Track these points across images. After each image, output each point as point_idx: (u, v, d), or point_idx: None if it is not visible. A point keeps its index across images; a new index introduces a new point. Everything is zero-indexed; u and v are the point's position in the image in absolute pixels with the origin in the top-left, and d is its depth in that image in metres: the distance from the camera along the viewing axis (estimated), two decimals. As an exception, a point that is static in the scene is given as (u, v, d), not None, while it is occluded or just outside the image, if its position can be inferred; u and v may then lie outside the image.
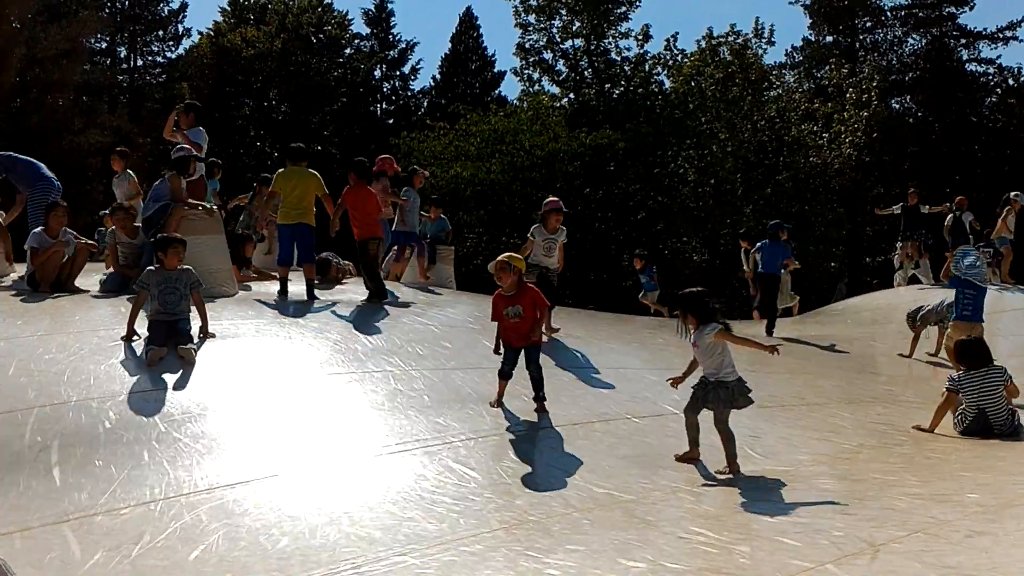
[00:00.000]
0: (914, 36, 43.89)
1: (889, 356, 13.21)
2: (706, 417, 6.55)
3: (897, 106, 42.76)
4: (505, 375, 7.51)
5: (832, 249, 32.75)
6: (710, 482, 6.20)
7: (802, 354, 12.78)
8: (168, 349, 7.66)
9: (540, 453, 6.59)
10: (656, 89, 36.79)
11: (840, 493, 6.09)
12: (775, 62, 42.27)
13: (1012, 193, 17.71)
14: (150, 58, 45.14)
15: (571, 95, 37.64)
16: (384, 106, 48.64)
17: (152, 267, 8.37)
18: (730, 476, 6.34)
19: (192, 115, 12.75)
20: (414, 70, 48.43)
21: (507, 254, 7.55)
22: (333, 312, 10.41)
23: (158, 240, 8.56)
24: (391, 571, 4.47)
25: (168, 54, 45.12)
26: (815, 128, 33.93)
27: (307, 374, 7.95)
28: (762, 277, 15.40)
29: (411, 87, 48.92)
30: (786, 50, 48.07)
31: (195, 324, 8.30)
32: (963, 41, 43.54)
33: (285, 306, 10.41)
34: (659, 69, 37.00)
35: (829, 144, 33.36)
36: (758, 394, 9.42)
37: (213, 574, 4.44)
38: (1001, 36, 42.71)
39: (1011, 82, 43.12)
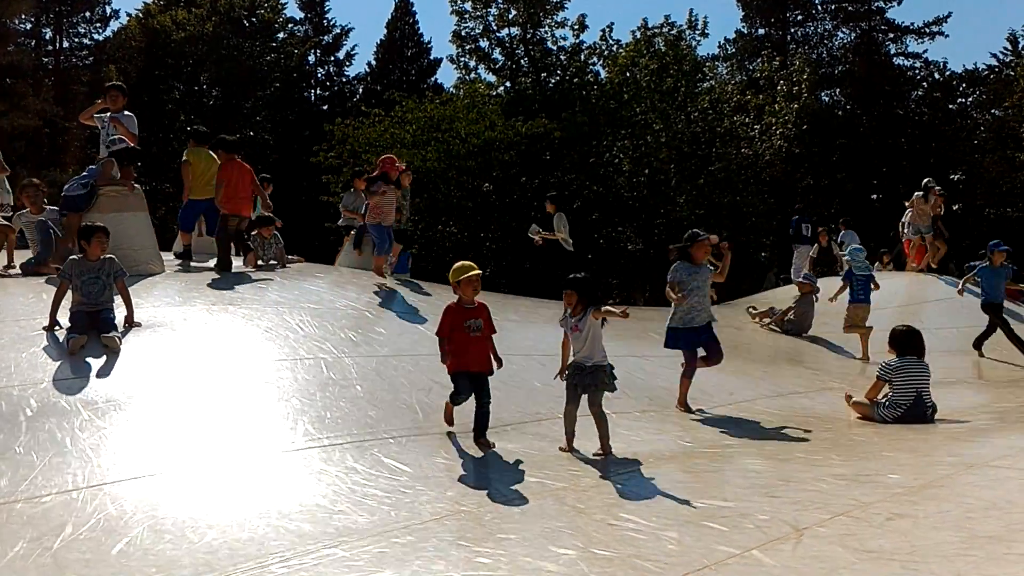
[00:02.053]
0: (843, 30, 44.84)
1: (815, 345, 13.52)
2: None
3: (827, 99, 43.64)
4: (456, 403, 6.81)
5: (763, 239, 33.31)
6: (639, 469, 6.27)
7: (731, 342, 12.97)
8: (90, 337, 7.50)
9: (471, 445, 6.60)
10: (592, 79, 36.88)
11: (766, 476, 6.20)
12: (709, 54, 42.79)
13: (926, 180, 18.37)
14: (77, 40, 43.96)
15: (507, 84, 37.56)
16: (318, 92, 48.06)
17: (74, 257, 8.18)
18: (604, 457, 6.58)
19: (121, 97, 12.45)
20: (349, 56, 47.97)
21: (470, 264, 6.85)
22: (264, 297, 10.25)
23: (81, 230, 8.41)
24: (320, 564, 4.44)
25: (95, 36, 44.03)
26: (747, 120, 34.40)
27: (236, 361, 7.82)
28: (987, 306, 13.47)
29: (346, 73, 48.46)
30: (719, 42, 48.72)
31: (120, 313, 8.13)
32: (891, 35, 44.62)
33: (215, 290, 10.23)
34: (595, 59, 37.11)
35: (760, 136, 33.85)
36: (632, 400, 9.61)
37: (138, 568, 4.36)
38: (927, 31, 43.84)
39: (936, 76, 44.27)
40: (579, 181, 32.81)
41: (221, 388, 7.12)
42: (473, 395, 6.65)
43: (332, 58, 47.85)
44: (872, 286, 13.27)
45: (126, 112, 12.45)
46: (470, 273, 6.73)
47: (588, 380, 6.70)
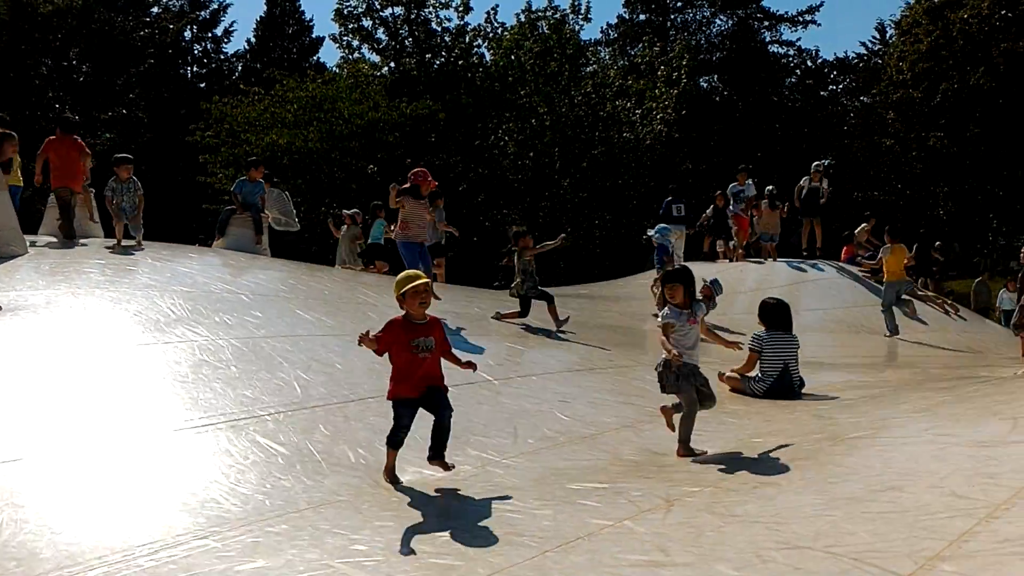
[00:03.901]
0: (721, 17, 46.04)
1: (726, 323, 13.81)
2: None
3: (705, 84, 44.75)
4: (398, 444, 5.53)
5: (644, 222, 33.97)
6: (518, 456, 6.30)
7: (616, 319, 13.20)
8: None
9: (351, 427, 6.47)
10: (476, 61, 36.89)
11: (641, 455, 6.33)
12: (591, 39, 43.40)
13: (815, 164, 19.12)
14: (-68, 11, 41.39)
15: (391, 64, 37.21)
16: (195, 69, 46.69)
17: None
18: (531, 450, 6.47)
19: None
20: (227, 32, 46.79)
21: (415, 272, 5.78)
22: (134, 280, 9.88)
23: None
24: (191, 555, 4.29)
25: (-46, 7, 41.51)
26: (628, 104, 34.96)
27: (103, 345, 7.50)
28: None
29: (224, 50, 47.26)
30: (602, 27, 49.49)
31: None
32: (766, 23, 46.02)
33: (81, 273, 9.82)
34: (479, 41, 37.11)
35: (641, 120, 34.45)
36: (572, 358, 9.77)
37: (-5, 562, 4.16)
38: (801, 20, 45.47)
39: (809, 64, 45.97)
40: (464, 163, 32.82)
41: (87, 373, 6.81)
42: (432, 411, 5.59)
43: (209, 34, 46.56)
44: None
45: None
46: (416, 283, 5.49)
47: (702, 379, 6.36)
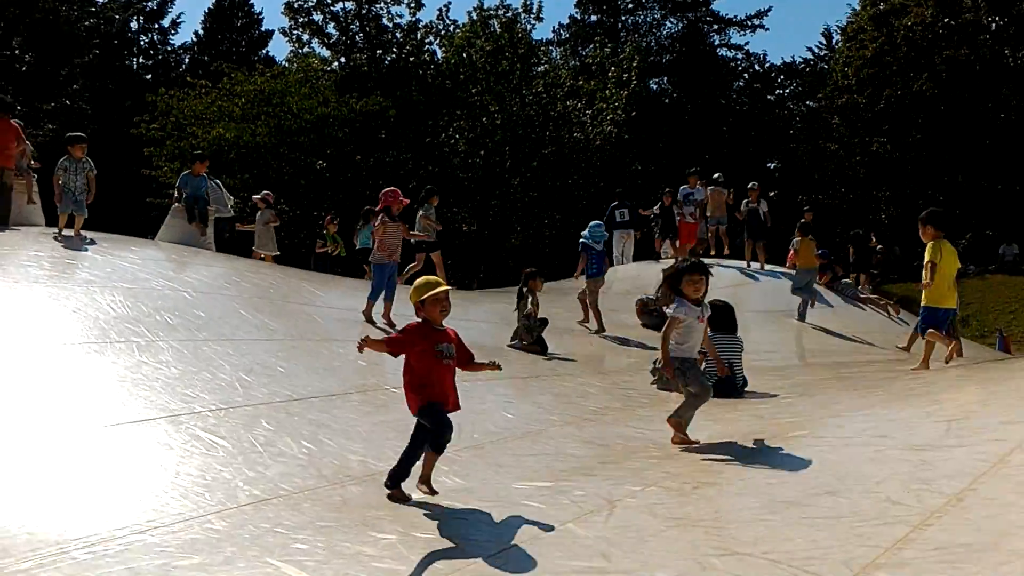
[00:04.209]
0: (671, 20, 46.47)
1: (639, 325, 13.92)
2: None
3: (655, 86, 45.10)
4: (442, 446, 5.26)
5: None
6: (462, 450, 6.30)
7: (565, 321, 13.25)
8: None
9: (294, 422, 6.43)
10: (428, 58, 36.79)
11: (585, 458, 6.36)
12: (543, 38, 43.53)
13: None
14: None
15: (342, 59, 36.96)
16: (141, 60, 45.93)
17: None
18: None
19: None
20: (174, 24, 46.07)
21: (436, 279, 5.50)
22: (73, 275, 9.70)
23: None
24: (127, 550, 4.22)
25: None
26: (579, 105, 35.11)
27: (39, 344, 7.36)
28: None
29: (171, 42, 46.60)
30: (553, 27, 49.61)
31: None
32: (715, 27, 46.53)
33: (18, 267, 9.61)
34: (431, 38, 37.02)
35: (592, 121, 34.62)
36: (513, 368, 9.78)
37: (-75, 561, 4.05)
38: (749, 24, 46.09)
39: (757, 68, 46.57)
40: (415, 160, 32.71)
41: (21, 371, 6.68)
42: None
43: (156, 25, 45.84)
44: (605, 262, 14.04)
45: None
46: (437, 290, 5.27)
47: (703, 376, 6.41)
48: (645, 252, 20.45)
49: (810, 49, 47.75)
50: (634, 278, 17.82)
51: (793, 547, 4.09)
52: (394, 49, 36.91)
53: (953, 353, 9.51)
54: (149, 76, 43.92)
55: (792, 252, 16.45)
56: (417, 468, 5.28)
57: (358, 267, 17.77)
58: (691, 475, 5.50)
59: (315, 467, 5.61)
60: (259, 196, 16.34)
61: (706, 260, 17.46)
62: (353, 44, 36.96)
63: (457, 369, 5.38)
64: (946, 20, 35.29)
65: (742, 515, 4.66)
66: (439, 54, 37.16)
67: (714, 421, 7.48)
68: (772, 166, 43.91)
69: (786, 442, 6.36)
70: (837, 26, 43.41)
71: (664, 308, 6.51)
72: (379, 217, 10.66)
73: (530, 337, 11.01)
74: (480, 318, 13.06)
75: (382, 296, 10.38)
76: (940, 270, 9.24)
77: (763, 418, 7.62)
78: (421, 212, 15.92)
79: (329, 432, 6.27)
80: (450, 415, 5.23)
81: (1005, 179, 34.22)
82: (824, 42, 46.39)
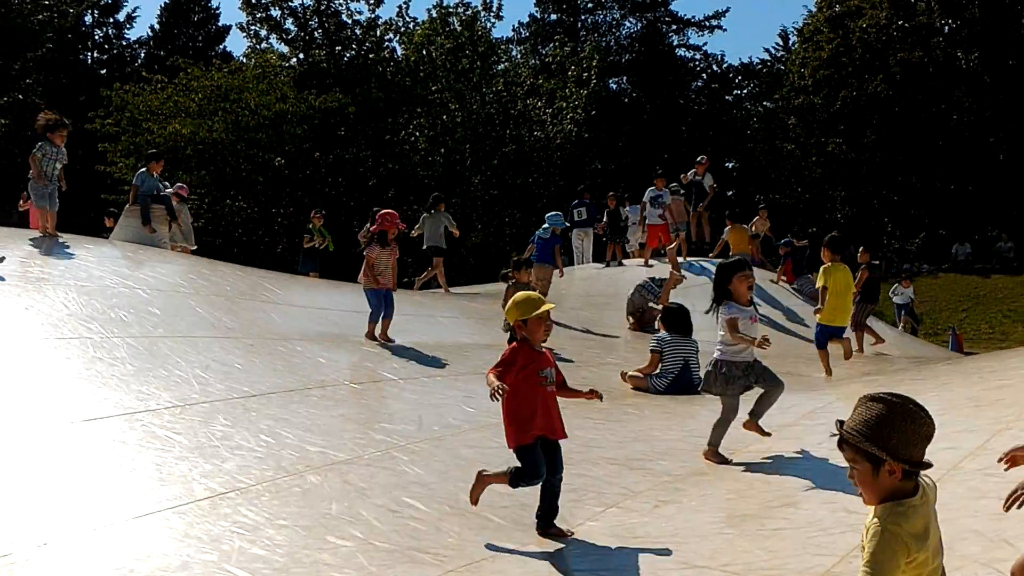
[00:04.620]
0: (631, 19, 46.70)
1: (595, 323, 13.94)
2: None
3: (614, 86, 45.29)
4: (517, 487, 4.79)
5: (553, 220, 34.25)
6: (422, 441, 6.26)
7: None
8: None
9: (252, 417, 6.34)
10: (388, 55, 36.60)
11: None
12: (503, 36, 43.49)
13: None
14: None
15: (300, 55, 36.64)
16: (96, 55, 45.15)
17: None
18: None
19: None
20: (130, 18, 45.31)
21: (539, 295, 5.13)
22: (26, 272, 9.51)
23: None
24: (78, 548, 4.16)
25: None
26: (539, 103, 35.16)
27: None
28: None
29: (126, 36, 45.80)
30: (513, 26, 49.66)
31: None
32: (674, 27, 46.82)
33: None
34: (391, 35, 36.82)
35: (552, 119, 34.69)
36: (480, 360, 9.75)
37: None
38: (707, 25, 46.42)
39: (715, 68, 46.96)
40: (375, 158, 32.55)
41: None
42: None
43: (111, 19, 45.05)
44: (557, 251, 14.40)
45: None
46: (543, 308, 4.75)
47: (768, 375, 6.03)
48: (602, 255, 20.42)
49: (767, 50, 48.37)
50: (593, 278, 17.88)
51: (751, 558, 4.16)
52: (353, 46, 36.66)
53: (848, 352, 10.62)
54: (104, 71, 43.21)
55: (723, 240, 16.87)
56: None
57: (349, 264, 17.72)
58: (651, 494, 5.44)
59: (274, 459, 5.55)
60: (171, 190, 16.03)
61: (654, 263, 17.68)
62: (312, 40, 36.65)
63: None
64: (900, 22, 35.83)
65: (701, 530, 4.70)
66: (399, 51, 36.98)
67: (670, 415, 7.53)
68: (730, 166, 44.30)
69: (743, 455, 6.36)
70: (794, 28, 43.96)
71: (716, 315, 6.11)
72: (371, 242, 10.03)
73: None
74: (449, 314, 13.03)
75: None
76: (832, 292, 10.01)
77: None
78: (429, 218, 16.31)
79: (288, 426, 6.21)
80: (560, 442, 4.78)
81: (958, 179, 34.83)
82: (781, 43, 46.90)
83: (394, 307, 9.91)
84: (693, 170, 18.67)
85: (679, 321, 9.43)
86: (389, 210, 10.48)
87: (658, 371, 9.05)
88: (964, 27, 35.46)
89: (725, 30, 49.99)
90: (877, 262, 20.36)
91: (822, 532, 4.30)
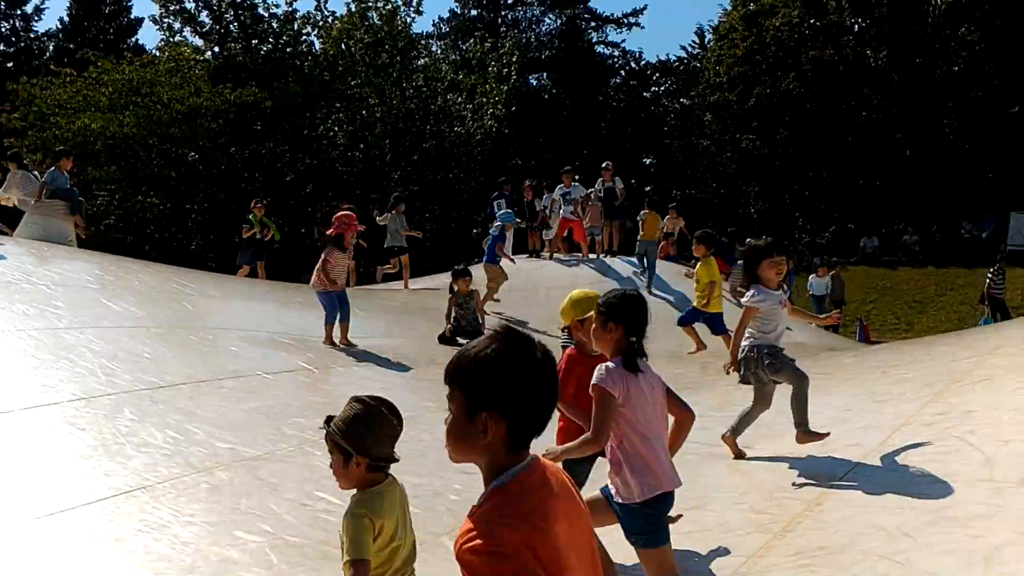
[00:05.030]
0: (550, 16, 46.90)
1: (528, 318, 13.97)
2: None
3: (534, 82, 45.47)
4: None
5: (475, 216, 34.27)
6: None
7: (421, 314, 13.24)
8: None
9: (159, 411, 6.23)
10: (305, 49, 36.19)
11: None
12: (423, 31, 43.33)
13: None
14: None
15: (215, 49, 35.98)
16: (2, 48, 43.65)
17: None
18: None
19: None
20: (38, 10, 43.92)
21: (595, 293, 4.29)
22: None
23: None
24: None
25: None
26: (459, 99, 35.14)
27: None
28: None
29: (34, 28, 44.37)
30: (433, 21, 49.49)
31: None
32: (593, 24, 47.19)
33: None
34: (308, 29, 36.41)
35: (472, 115, 34.70)
36: (401, 354, 9.78)
37: None
38: (625, 22, 46.85)
39: (633, 65, 47.45)
40: (292, 153, 32.18)
41: None
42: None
43: (18, 11, 43.61)
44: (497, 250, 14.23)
45: None
46: (585, 300, 4.31)
47: (794, 363, 5.60)
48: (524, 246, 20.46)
49: (684, 48, 49.12)
50: (515, 272, 17.90)
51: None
52: (270, 39, 36.14)
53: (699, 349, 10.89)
54: (11, 64, 41.76)
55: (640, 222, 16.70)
56: None
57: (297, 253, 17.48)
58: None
59: (181, 456, 5.47)
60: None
61: (564, 257, 17.85)
62: (227, 33, 36.00)
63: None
64: (812, 21, 36.71)
65: (613, 534, 4.74)
66: (317, 45, 36.59)
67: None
68: (648, 161, 44.89)
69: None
70: (709, 25, 44.65)
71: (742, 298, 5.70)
72: (327, 245, 9.71)
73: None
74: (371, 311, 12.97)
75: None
76: (703, 283, 10.65)
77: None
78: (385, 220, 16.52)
79: (197, 420, 6.11)
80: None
81: (866, 175, 35.85)
82: (697, 41, 47.60)
83: (350, 307, 9.69)
84: (600, 179, 18.21)
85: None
86: (346, 212, 10.19)
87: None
88: (873, 26, 36.50)
89: (643, 27, 50.73)
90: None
91: (730, 533, 4.34)
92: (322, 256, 9.57)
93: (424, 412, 7.03)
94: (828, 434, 5.37)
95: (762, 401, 5.64)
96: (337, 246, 9.60)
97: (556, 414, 3.78)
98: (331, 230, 9.78)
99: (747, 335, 5.60)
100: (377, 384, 7.88)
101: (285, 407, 6.67)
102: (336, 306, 9.53)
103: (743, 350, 5.56)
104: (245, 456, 5.56)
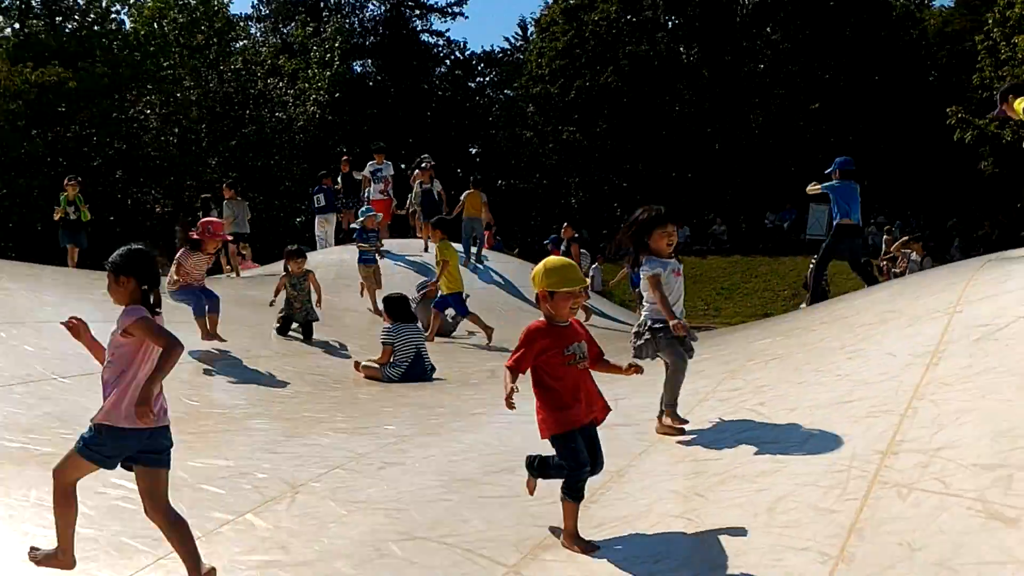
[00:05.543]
0: (374, 2, 46.44)
1: (350, 310, 13.86)
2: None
3: (359, 68, 44.98)
4: (581, 493, 4.04)
5: (298, 205, 33.64)
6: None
7: (254, 308, 12.99)
8: None
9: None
10: (115, 28, 34.45)
11: (271, 433, 6.37)
12: (242, 13, 42.02)
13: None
14: None
15: (15, 25, 33.74)
16: None
17: None
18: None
19: None
20: None
21: (571, 264, 4.24)
22: None
23: None
24: None
25: None
26: (281, 84, 34.39)
27: None
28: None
29: None
30: (252, 3, 47.94)
31: None
32: (417, 12, 47.05)
33: None
34: (117, 7, 34.66)
35: (295, 100, 34.04)
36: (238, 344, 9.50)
37: None
38: (450, 11, 46.96)
39: (458, 55, 47.70)
40: (100, 137, 30.63)
41: None
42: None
43: None
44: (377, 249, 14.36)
45: None
46: (576, 285, 4.12)
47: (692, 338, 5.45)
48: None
49: (507, 39, 49.72)
50: (339, 264, 17.67)
51: (469, 529, 4.28)
52: (76, 16, 34.22)
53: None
54: None
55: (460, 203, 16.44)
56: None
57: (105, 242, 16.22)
58: (376, 454, 5.58)
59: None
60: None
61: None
62: (29, 9, 33.83)
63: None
64: (628, 17, 38.01)
65: (424, 495, 4.78)
66: (127, 24, 34.91)
67: (400, 406, 7.75)
68: (474, 151, 45.29)
69: (468, 418, 6.70)
70: (532, 18, 45.46)
71: (633, 269, 5.39)
72: (184, 250, 9.35)
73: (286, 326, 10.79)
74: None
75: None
76: (453, 265, 11.98)
77: (449, 394, 8.00)
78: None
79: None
80: (599, 428, 4.22)
81: (678, 167, 37.52)
82: (520, 33, 48.37)
83: (218, 299, 9.28)
84: (419, 181, 17.30)
85: (400, 309, 9.60)
86: (215, 220, 9.85)
87: (391, 361, 9.20)
88: (685, 23, 38.16)
89: (467, 17, 51.20)
90: (577, 235, 21.56)
91: (538, 501, 4.41)
92: (175, 259, 9.30)
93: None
94: (687, 422, 5.35)
95: (677, 360, 5.39)
96: (194, 248, 9.32)
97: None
98: (195, 232, 9.46)
99: (645, 307, 5.49)
100: (183, 383, 7.69)
101: (83, 411, 6.41)
102: (200, 298, 9.19)
103: (639, 326, 5.46)
104: (38, 454, 5.31)
